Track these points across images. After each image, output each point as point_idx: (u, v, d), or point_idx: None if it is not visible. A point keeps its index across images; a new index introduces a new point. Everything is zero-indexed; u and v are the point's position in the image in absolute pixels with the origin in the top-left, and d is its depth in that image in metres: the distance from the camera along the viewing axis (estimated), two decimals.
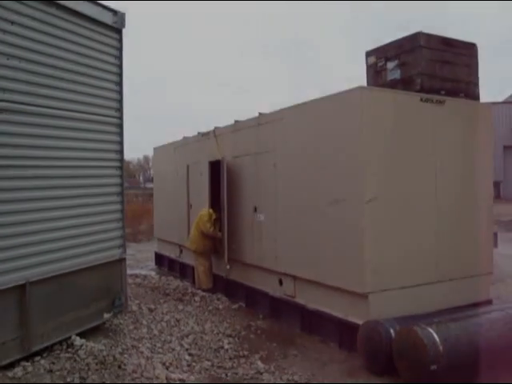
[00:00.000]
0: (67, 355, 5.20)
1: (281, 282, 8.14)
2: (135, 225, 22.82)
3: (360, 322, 6.31)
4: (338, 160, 6.66)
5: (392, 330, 5.71)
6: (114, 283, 6.24)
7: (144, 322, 7.13)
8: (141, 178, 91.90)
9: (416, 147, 6.82)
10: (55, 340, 5.34)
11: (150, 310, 7.78)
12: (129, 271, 12.31)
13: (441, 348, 5.01)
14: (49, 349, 5.33)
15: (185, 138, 12.13)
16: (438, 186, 6.99)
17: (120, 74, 6.30)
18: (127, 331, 6.58)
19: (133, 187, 70.05)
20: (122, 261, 6.43)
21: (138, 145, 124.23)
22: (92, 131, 5.88)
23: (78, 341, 5.39)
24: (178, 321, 7.57)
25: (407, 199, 6.70)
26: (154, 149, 14.28)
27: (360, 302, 6.43)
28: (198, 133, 11.26)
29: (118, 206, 6.35)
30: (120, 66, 6.29)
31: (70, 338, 5.48)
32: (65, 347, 5.40)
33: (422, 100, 6.89)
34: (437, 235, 6.96)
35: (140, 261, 15.16)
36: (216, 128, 10.34)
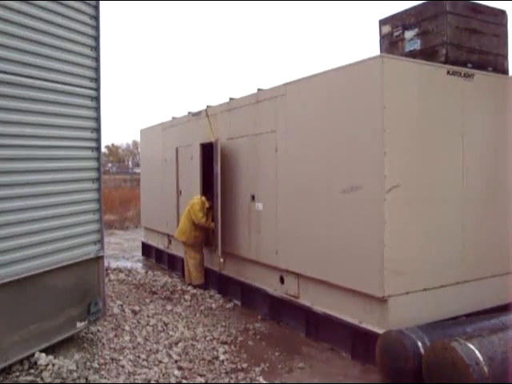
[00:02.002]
0: (28, 378, 4.20)
1: (282, 280, 7.22)
2: (123, 211, 22.03)
3: (377, 329, 5.47)
4: (353, 141, 5.71)
5: (420, 343, 4.83)
6: (89, 286, 5.24)
7: (126, 328, 6.17)
8: (130, 162, 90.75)
9: (441, 127, 5.91)
10: (14, 360, 4.31)
11: (134, 313, 6.82)
12: (113, 263, 11.44)
13: (486, 369, 4.12)
14: (6, 370, 4.34)
15: (174, 119, 11.11)
16: (464, 171, 6.10)
17: (97, 38, 5.25)
18: (106, 340, 5.62)
19: (121, 172, 69.22)
20: (98, 259, 5.42)
21: (127, 129, 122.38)
22: (61, 104, 4.82)
23: (42, 359, 4.40)
24: (165, 325, 6.62)
25: (431, 187, 5.80)
26: (141, 131, 13.25)
27: (378, 306, 5.55)
28: (189, 112, 10.26)
29: (95, 195, 5.33)
30: (97, 28, 5.25)
31: (33, 355, 4.50)
32: (26, 367, 4.41)
33: (448, 73, 5.97)
34: (463, 228, 6.08)
35: (126, 250, 14.29)
36: (209, 107, 9.34)
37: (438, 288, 5.83)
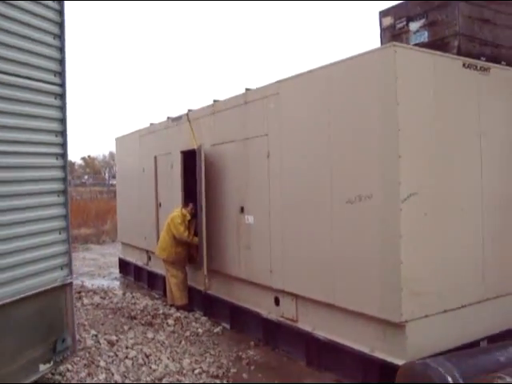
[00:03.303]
0: None
1: (277, 302, 6.45)
2: (99, 224, 21.07)
3: (393, 359, 4.75)
4: (361, 143, 5.00)
5: (450, 378, 4.08)
6: (54, 320, 4.36)
7: (102, 364, 5.31)
8: (106, 174, 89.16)
9: (458, 126, 5.25)
10: None
11: (111, 344, 5.94)
12: (88, 282, 10.54)
13: None
14: None
15: (152, 125, 10.29)
16: (484, 176, 5.44)
17: (61, 24, 4.44)
18: (77, 381, 4.76)
19: (98, 184, 68.09)
20: (66, 287, 4.55)
21: (103, 140, 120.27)
22: (16, 101, 3.98)
23: None
24: (147, 356, 5.77)
25: (448, 195, 5.12)
26: (116, 139, 12.38)
27: (393, 333, 4.82)
28: (168, 118, 9.46)
29: (61, 210, 4.48)
30: (61, 13, 4.44)
31: None
32: None
33: (464, 66, 5.31)
34: (484, 240, 5.41)
35: (102, 267, 13.37)
36: (190, 111, 8.57)
37: (459, 308, 5.15)
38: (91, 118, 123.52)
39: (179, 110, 8.99)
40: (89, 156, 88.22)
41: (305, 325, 5.97)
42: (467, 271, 5.24)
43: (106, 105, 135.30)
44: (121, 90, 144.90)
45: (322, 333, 5.67)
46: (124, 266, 12.13)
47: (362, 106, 4.97)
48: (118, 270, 12.42)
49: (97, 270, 12.91)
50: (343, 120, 5.23)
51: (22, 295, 3.97)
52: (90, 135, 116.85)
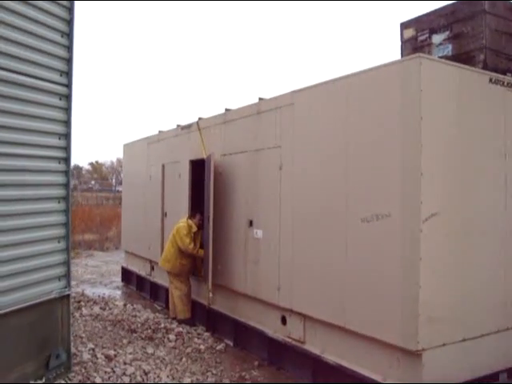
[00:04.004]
0: None
1: (284, 321, 6.16)
2: (103, 230, 20.90)
3: None
4: (380, 159, 4.72)
5: None
6: (49, 333, 4.11)
7: (97, 380, 5.01)
8: (113, 180, 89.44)
9: (482, 144, 4.98)
10: None
11: (109, 359, 5.65)
12: (88, 290, 10.27)
13: None
14: None
15: (161, 133, 10.08)
16: (508, 198, 5.15)
17: (70, 21, 4.23)
18: None
19: (104, 189, 68.38)
20: (63, 299, 4.30)
21: (112, 146, 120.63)
22: (18, 100, 3.76)
23: None
24: (146, 374, 5.48)
25: (470, 216, 4.83)
26: (124, 145, 12.18)
27: (408, 361, 4.52)
28: (177, 126, 9.24)
29: (61, 217, 4.23)
30: (70, 10, 4.23)
31: None
32: None
33: (491, 81, 5.04)
34: (505, 265, 5.11)
35: (104, 275, 13.12)
36: (200, 119, 8.34)
37: (479, 337, 4.84)
38: (101, 123, 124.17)
39: (189, 118, 8.81)
40: (96, 161, 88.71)
41: (313, 347, 5.68)
42: (488, 298, 4.94)
43: (115, 111, 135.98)
44: (131, 96, 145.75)
45: (330, 356, 5.38)
46: (126, 275, 11.89)
47: (383, 119, 4.71)
48: (120, 279, 12.18)
49: (99, 278, 12.69)
50: (362, 133, 4.97)
51: (15, 307, 3.71)
52: (99, 141, 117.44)
